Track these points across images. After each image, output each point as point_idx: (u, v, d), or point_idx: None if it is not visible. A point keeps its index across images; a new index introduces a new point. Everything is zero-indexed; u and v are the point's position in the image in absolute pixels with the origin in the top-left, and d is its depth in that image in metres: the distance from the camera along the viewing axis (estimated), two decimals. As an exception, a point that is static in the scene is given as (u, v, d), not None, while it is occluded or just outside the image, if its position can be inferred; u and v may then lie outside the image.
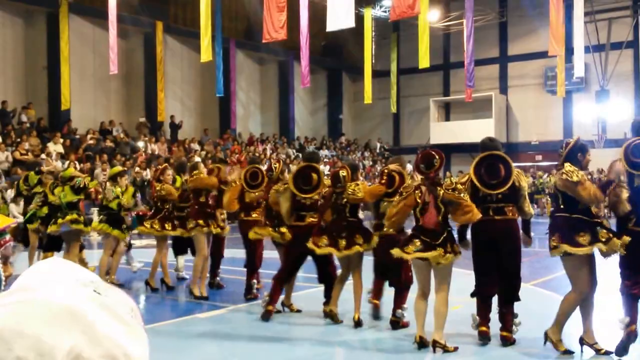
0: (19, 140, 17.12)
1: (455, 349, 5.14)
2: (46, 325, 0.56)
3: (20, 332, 0.55)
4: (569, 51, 20.09)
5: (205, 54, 16.88)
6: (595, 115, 24.96)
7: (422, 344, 5.17)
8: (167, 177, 8.05)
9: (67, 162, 16.32)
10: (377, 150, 29.43)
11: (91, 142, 18.74)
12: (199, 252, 7.39)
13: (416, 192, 5.27)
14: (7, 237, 3.11)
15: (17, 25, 19.83)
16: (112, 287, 0.66)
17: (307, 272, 9.55)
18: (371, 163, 26.64)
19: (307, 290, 8.17)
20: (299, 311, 6.70)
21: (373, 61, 24.05)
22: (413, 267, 5.47)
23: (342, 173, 6.06)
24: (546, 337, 5.13)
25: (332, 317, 6.14)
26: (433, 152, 5.34)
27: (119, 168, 9.04)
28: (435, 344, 5.06)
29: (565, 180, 4.88)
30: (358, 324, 5.95)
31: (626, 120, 24.71)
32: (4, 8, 19.03)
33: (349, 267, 6.20)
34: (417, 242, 5.11)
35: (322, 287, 8.30)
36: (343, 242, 5.97)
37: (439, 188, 5.16)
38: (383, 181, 6.13)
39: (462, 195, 5.08)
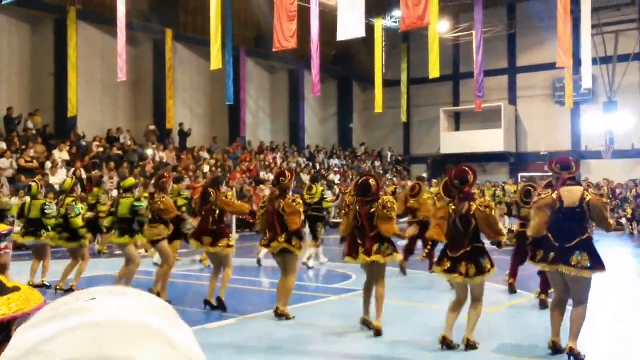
0: (24, 147, 16.93)
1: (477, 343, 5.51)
2: (131, 344, 0.51)
3: (109, 357, 0.50)
4: (577, 63, 20.08)
5: (215, 62, 16.84)
6: (603, 126, 24.95)
7: (445, 343, 5.43)
8: (170, 188, 8.12)
9: (73, 170, 16.21)
10: (388, 160, 29.40)
11: (100, 149, 18.65)
12: (228, 265, 7.35)
13: (450, 204, 5.52)
14: (3, 245, 3.02)
15: (24, 32, 19.76)
16: (138, 291, 0.61)
17: (319, 282, 9.51)
18: (382, 172, 26.58)
19: (317, 300, 8.11)
20: (293, 317, 6.74)
21: (383, 71, 24.02)
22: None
23: (372, 182, 6.11)
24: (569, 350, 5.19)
25: (367, 325, 6.21)
26: (467, 169, 5.56)
27: (132, 180, 8.98)
28: (467, 342, 5.40)
29: (605, 203, 5.29)
30: (378, 333, 6.01)
31: (633, 131, 24.79)
32: (11, 14, 18.98)
33: (373, 276, 6.26)
34: (447, 263, 5.40)
35: (331, 298, 8.26)
36: (362, 250, 6.07)
37: (472, 203, 5.39)
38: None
39: (493, 213, 5.35)
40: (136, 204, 8.04)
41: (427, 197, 9.45)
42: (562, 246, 5.11)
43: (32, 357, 0.49)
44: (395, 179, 25.77)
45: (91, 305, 0.56)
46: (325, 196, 11.04)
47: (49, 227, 8.69)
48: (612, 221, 5.29)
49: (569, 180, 5.24)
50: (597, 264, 5.09)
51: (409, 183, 16.66)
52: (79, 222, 8.45)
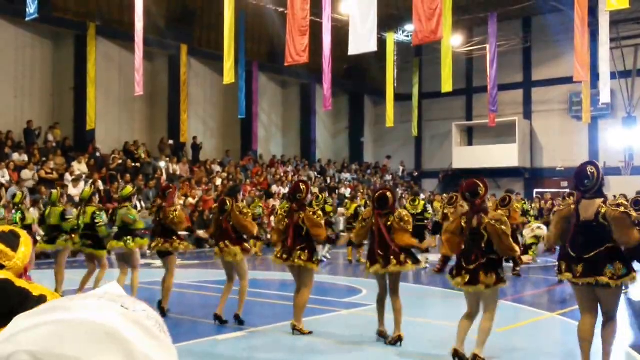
0: (44, 159, 17.38)
1: None
2: (86, 346, 0.54)
3: (60, 355, 0.53)
4: (595, 77, 19.85)
5: (228, 76, 16.98)
6: (622, 142, 24.60)
7: (457, 355, 5.34)
8: (176, 200, 8.20)
9: (91, 182, 16.48)
10: (400, 174, 29.31)
11: (120, 161, 18.98)
12: (243, 276, 7.19)
13: (462, 217, 5.48)
14: None
15: (46, 47, 20.27)
16: (138, 301, 0.64)
17: (329, 296, 9.45)
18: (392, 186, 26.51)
19: (327, 314, 8.07)
20: (310, 333, 6.67)
21: (395, 85, 24.01)
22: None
23: (388, 195, 6.29)
24: None
25: (383, 336, 6.32)
26: (477, 181, 5.52)
27: (130, 189, 9.10)
28: (475, 357, 5.27)
29: (623, 212, 4.73)
30: (398, 340, 6.11)
31: (654, 147, 24.42)
32: (34, 30, 19.45)
33: (387, 287, 6.32)
34: (466, 276, 5.31)
35: (342, 312, 8.21)
36: (380, 260, 6.15)
37: (483, 216, 5.32)
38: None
39: (503, 227, 5.23)
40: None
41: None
42: (580, 257, 4.81)
43: (4, 345, 0.54)
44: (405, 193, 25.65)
45: (71, 304, 0.59)
46: (427, 208, 13.08)
47: (68, 231, 8.89)
48: (636, 232, 4.68)
49: (588, 193, 4.91)
50: (632, 269, 4.85)
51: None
52: (105, 231, 8.63)
